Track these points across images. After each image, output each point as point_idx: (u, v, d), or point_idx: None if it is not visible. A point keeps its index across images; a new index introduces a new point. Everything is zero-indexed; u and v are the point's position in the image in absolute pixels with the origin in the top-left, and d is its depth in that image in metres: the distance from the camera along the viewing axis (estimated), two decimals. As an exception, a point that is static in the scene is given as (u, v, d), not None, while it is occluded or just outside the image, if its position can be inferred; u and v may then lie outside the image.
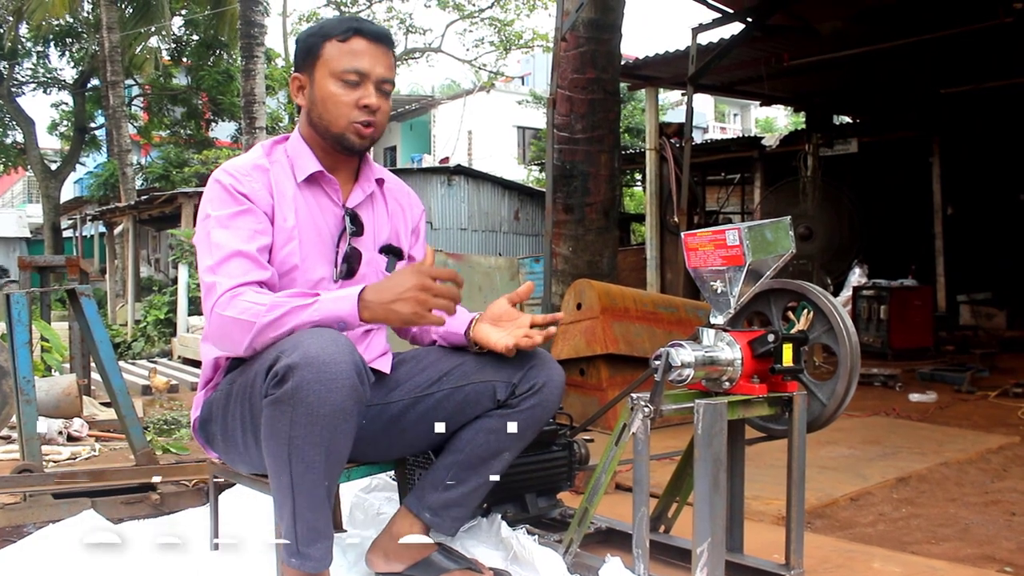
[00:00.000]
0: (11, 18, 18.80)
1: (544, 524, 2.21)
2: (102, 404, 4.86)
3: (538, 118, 22.05)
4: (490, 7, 21.91)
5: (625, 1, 5.19)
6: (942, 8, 6.58)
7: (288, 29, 22.10)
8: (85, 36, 19.72)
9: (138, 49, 18.84)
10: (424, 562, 1.80)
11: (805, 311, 1.90)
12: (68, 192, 24.05)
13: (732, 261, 1.77)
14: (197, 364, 8.38)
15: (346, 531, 2.18)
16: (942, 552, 2.36)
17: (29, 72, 21.11)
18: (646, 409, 1.73)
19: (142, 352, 11.49)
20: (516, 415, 1.76)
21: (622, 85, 7.94)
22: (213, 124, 21.19)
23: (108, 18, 15.81)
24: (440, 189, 14.83)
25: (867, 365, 6.27)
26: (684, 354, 1.75)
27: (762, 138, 12.25)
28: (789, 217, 1.86)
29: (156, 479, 2.65)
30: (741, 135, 17.30)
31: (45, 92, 21.55)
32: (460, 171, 15.65)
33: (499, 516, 2.07)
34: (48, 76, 21.19)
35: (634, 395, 1.77)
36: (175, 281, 12.12)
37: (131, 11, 18.34)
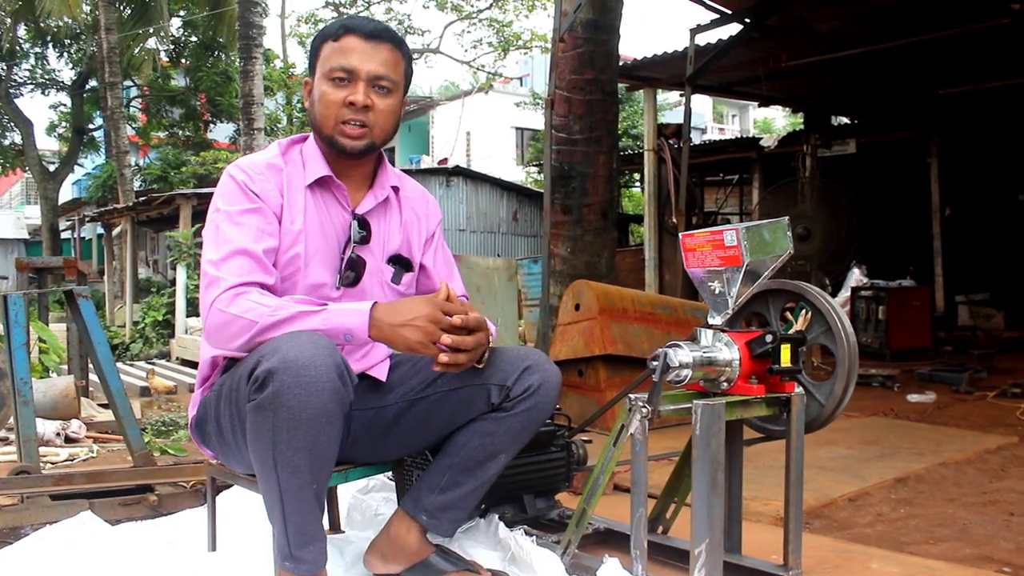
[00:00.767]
0: (8, 20, 18.76)
1: (542, 525, 2.21)
2: (100, 405, 4.86)
3: (536, 119, 22.06)
4: (488, 8, 21.96)
5: (623, 2, 5.19)
6: (940, 9, 6.58)
7: (287, 31, 22.15)
8: (83, 37, 19.72)
9: (136, 50, 18.88)
10: (422, 564, 1.79)
11: (803, 311, 1.90)
12: (66, 193, 24.05)
13: (730, 262, 1.77)
14: (195, 366, 8.34)
15: (344, 532, 2.18)
16: (940, 552, 2.36)
17: (27, 73, 21.15)
18: (644, 410, 1.73)
19: (140, 353, 11.49)
20: (511, 418, 1.74)
21: (620, 86, 7.93)
22: (211, 125, 21.19)
23: (106, 19, 15.80)
24: (438, 190, 14.85)
25: (865, 365, 6.28)
26: (682, 355, 1.75)
27: (760, 139, 12.27)
28: (787, 218, 1.86)
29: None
30: (739, 136, 17.27)
31: (43, 93, 21.60)
32: (458, 172, 15.70)
33: (497, 517, 2.07)
34: (46, 77, 21.21)
35: (632, 396, 1.76)
36: (173, 283, 12.10)
37: (129, 12, 18.36)
